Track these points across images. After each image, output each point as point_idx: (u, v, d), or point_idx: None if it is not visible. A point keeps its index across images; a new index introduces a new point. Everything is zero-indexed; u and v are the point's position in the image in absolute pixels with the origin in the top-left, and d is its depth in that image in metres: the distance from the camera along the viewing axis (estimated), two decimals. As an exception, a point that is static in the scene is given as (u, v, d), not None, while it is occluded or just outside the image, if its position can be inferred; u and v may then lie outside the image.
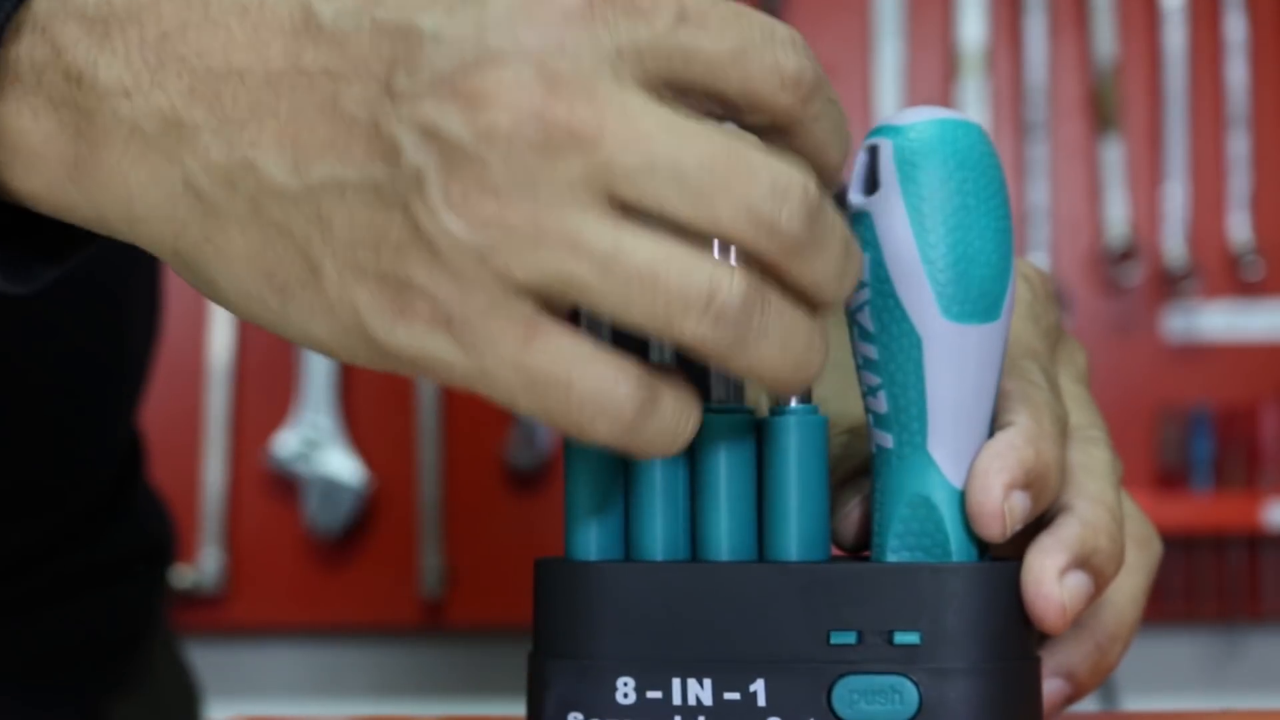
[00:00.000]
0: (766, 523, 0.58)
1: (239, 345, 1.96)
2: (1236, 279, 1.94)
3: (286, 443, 1.93)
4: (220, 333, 1.95)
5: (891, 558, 0.57)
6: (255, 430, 1.95)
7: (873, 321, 0.56)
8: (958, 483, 0.57)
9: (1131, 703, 1.81)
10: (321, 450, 1.93)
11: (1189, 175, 1.94)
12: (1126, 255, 1.92)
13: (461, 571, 1.94)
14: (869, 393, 0.57)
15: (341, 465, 1.92)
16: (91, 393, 0.93)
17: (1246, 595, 1.92)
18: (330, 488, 1.92)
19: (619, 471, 0.58)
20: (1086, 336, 1.91)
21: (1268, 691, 1.93)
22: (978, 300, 0.56)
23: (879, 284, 0.56)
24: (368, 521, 1.94)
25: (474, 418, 1.94)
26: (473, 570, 1.94)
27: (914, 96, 1.97)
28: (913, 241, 0.55)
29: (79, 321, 0.90)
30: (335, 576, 1.95)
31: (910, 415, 0.56)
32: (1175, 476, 1.91)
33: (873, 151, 0.57)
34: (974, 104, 1.95)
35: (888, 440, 0.57)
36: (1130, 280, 1.93)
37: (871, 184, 0.56)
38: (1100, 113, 1.95)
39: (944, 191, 0.55)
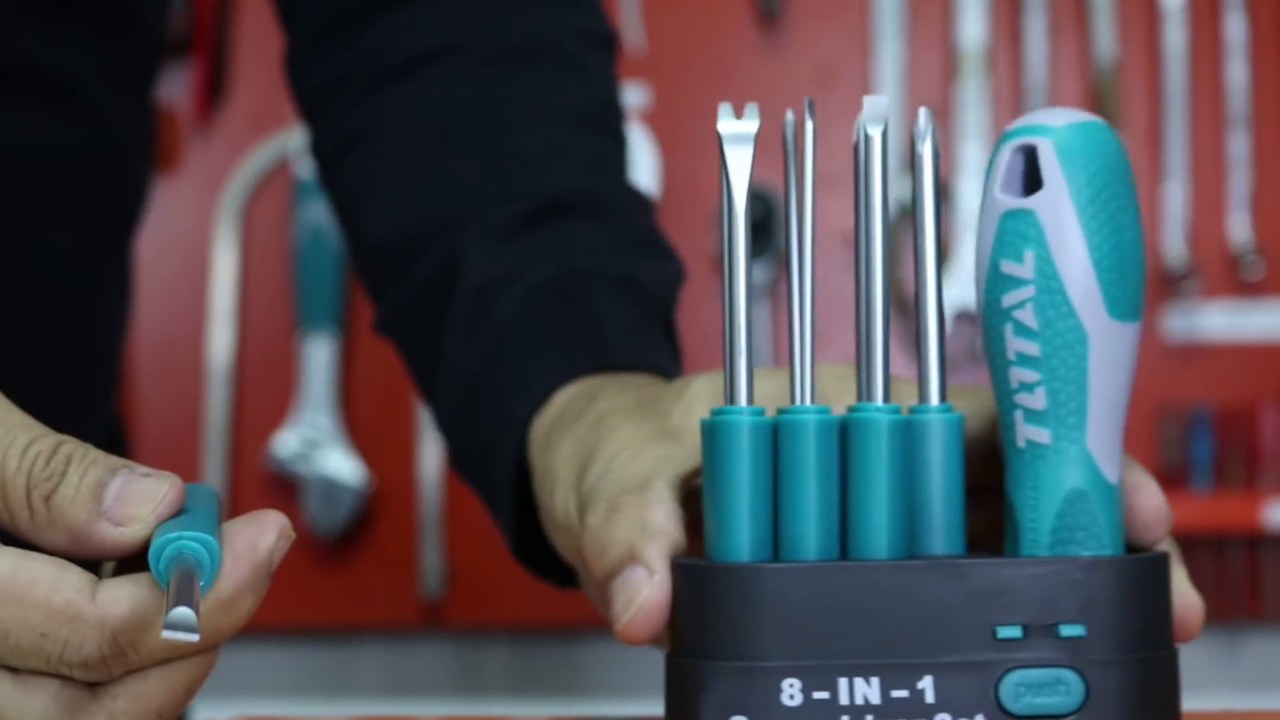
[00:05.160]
0: (913, 519, 0.58)
1: (239, 345, 1.95)
2: (1236, 279, 1.94)
3: (286, 443, 1.92)
4: (220, 332, 1.94)
5: (1047, 552, 0.57)
6: (255, 430, 1.94)
7: (1036, 318, 0.57)
8: (1111, 477, 0.58)
9: (1133, 701, 1.80)
10: (321, 450, 1.92)
11: (1189, 175, 1.95)
12: (1126, 255, 1.92)
13: (461, 571, 1.93)
14: (1022, 389, 0.57)
15: (341, 465, 1.91)
16: (66, 383, 0.94)
17: (1246, 595, 1.92)
18: (330, 488, 1.91)
19: (768, 472, 0.58)
20: (1087, 336, 1.90)
21: (1268, 691, 1.93)
22: (1132, 299, 0.58)
23: (1045, 281, 0.56)
24: (368, 521, 1.94)
25: (475, 417, 1.93)
26: (473, 570, 1.93)
27: (914, 96, 1.97)
28: (1083, 240, 0.56)
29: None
30: (335, 576, 1.94)
31: (1069, 410, 0.57)
32: (1175, 476, 1.92)
33: (1030, 151, 0.57)
34: (974, 104, 1.95)
35: (1043, 436, 0.57)
36: (1130, 280, 1.93)
37: (1032, 183, 0.57)
38: (1100, 112, 1.95)
39: (1106, 191, 0.57)
